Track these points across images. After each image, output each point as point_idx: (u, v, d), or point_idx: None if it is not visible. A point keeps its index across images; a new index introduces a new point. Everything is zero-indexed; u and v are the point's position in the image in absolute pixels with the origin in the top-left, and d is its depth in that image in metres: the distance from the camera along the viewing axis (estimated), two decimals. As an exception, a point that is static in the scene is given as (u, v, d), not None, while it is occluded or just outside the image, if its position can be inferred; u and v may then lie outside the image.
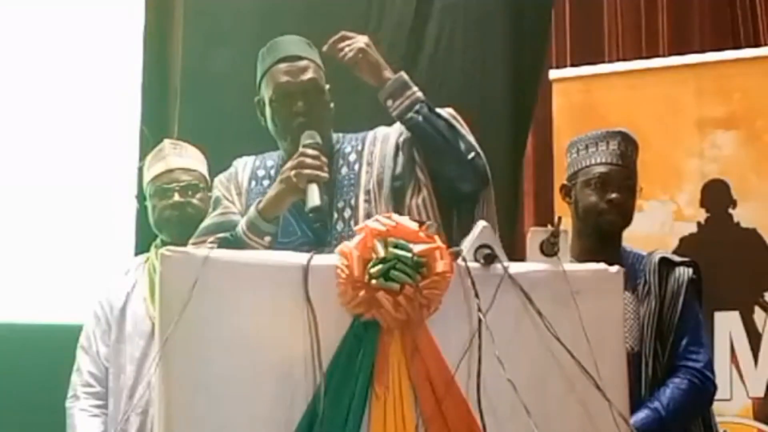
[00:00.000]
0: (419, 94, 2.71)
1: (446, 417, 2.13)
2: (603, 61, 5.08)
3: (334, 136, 2.82)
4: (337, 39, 2.72)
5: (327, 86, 2.81)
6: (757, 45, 5.03)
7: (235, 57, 4.81)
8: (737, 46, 4.97)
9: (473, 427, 2.15)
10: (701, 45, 5.15)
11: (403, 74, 2.73)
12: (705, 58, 4.59)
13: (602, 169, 3.02)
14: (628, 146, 3.04)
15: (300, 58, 2.78)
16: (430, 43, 4.89)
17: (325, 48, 2.73)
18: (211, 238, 2.65)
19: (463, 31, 4.91)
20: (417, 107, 2.68)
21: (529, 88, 4.88)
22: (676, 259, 3.01)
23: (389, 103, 2.69)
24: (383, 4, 4.91)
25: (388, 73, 2.72)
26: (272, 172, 2.79)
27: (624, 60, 5.02)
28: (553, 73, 4.81)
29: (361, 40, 2.71)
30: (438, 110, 2.73)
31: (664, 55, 5.10)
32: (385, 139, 2.75)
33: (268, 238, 2.60)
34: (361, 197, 2.67)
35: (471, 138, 2.78)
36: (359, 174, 2.71)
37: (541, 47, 4.99)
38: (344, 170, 2.73)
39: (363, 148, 2.75)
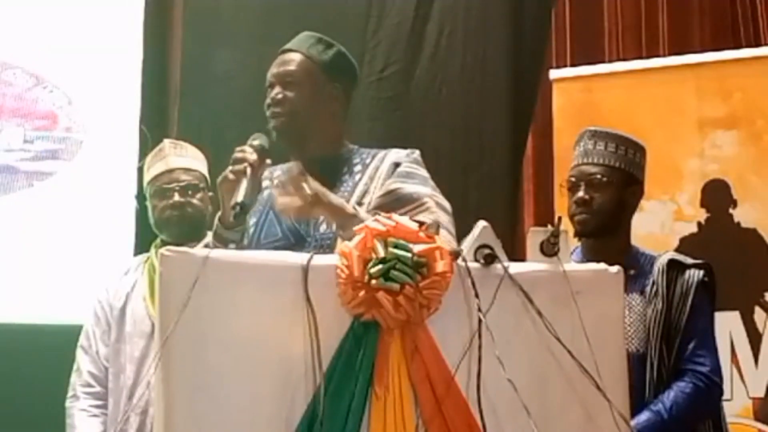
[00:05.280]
0: None
1: (446, 417, 2.13)
2: (603, 61, 5.07)
3: (350, 146, 2.80)
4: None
5: (335, 85, 2.75)
6: (757, 45, 5.02)
7: (235, 57, 4.82)
8: (737, 46, 4.96)
9: (473, 427, 2.14)
10: (701, 45, 5.15)
11: (360, 211, 2.54)
12: (705, 58, 4.59)
13: (572, 172, 3.03)
14: (597, 142, 3.01)
15: (292, 51, 2.77)
16: (430, 43, 4.90)
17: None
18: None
19: (463, 31, 4.92)
20: None
21: (529, 88, 4.89)
22: (688, 261, 2.97)
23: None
24: (383, 4, 4.92)
25: (350, 209, 2.54)
26: (275, 181, 2.77)
27: (624, 60, 5.02)
28: (553, 73, 4.81)
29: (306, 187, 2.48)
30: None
31: (664, 55, 5.10)
32: (389, 159, 2.72)
33: (232, 246, 2.57)
34: (351, 204, 2.63)
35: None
36: (357, 185, 2.69)
37: (541, 47, 4.99)
38: (345, 178, 2.71)
39: (370, 163, 2.73)
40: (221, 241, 2.59)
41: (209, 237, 2.65)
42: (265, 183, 2.79)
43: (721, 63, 4.52)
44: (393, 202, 2.58)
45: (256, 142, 2.61)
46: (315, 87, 2.73)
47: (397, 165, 2.69)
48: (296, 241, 2.62)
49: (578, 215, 2.97)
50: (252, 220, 2.72)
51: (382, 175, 2.68)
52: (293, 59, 2.75)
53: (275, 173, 2.82)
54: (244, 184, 2.52)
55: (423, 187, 2.66)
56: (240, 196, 2.50)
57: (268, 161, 2.62)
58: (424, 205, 2.60)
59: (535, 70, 4.89)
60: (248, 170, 2.54)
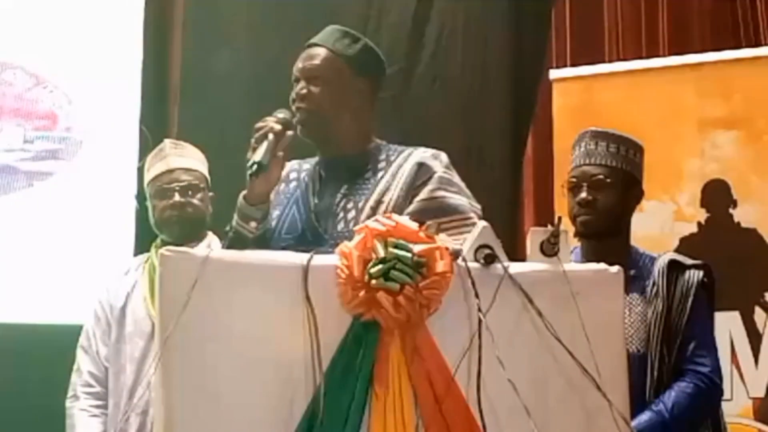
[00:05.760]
0: None
1: (446, 417, 2.13)
2: (603, 61, 5.07)
3: (377, 142, 2.78)
4: None
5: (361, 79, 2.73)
6: (757, 45, 5.02)
7: (235, 57, 4.82)
8: (737, 46, 4.96)
9: (473, 427, 2.14)
10: (701, 45, 5.14)
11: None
12: (705, 58, 4.59)
13: (573, 172, 3.02)
14: (599, 142, 3.00)
15: (318, 45, 2.75)
16: (430, 43, 4.90)
17: None
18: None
19: (463, 31, 4.91)
20: None
21: (529, 88, 4.89)
22: (688, 261, 2.97)
23: None
24: (383, 4, 4.92)
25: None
26: (303, 174, 2.79)
27: (624, 60, 5.02)
28: (553, 73, 4.81)
29: None
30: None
31: (664, 55, 5.10)
32: (413, 158, 2.69)
33: (253, 224, 2.60)
34: (370, 203, 2.64)
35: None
36: (378, 181, 2.68)
37: (541, 47, 4.99)
38: (367, 174, 2.70)
39: (395, 160, 2.71)
40: (244, 218, 2.61)
41: (235, 218, 2.64)
42: (293, 175, 2.80)
43: (721, 63, 4.52)
44: (436, 209, 2.57)
45: (280, 115, 2.64)
46: (340, 82, 2.71)
47: (420, 165, 2.67)
48: (314, 238, 2.62)
49: (581, 216, 2.97)
50: (275, 213, 2.72)
51: (404, 174, 2.66)
52: (318, 54, 2.73)
53: (304, 166, 2.81)
54: (264, 146, 2.55)
55: (463, 197, 2.66)
56: (258, 156, 2.53)
57: (290, 132, 2.62)
58: (470, 220, 2.59)
59: (535, 70, 4.89)
60: (270, 135, 2.56)
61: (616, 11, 5.46)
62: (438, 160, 2.70)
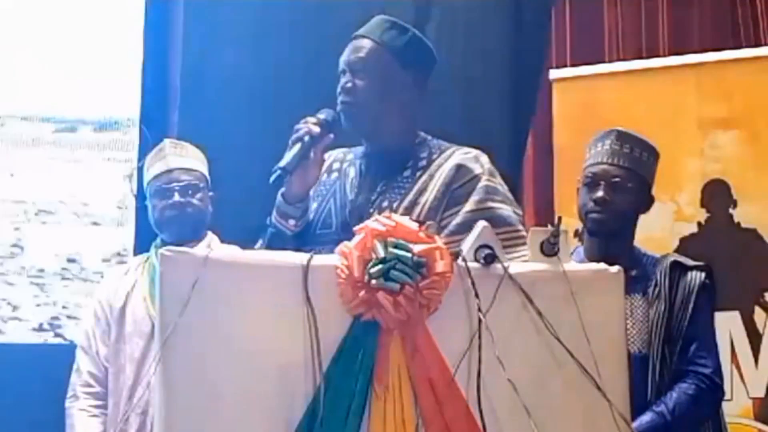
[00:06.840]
0: None
1: (446, 417, 2.13)
2: (603, 61, 5.07)
3: (422, 136, 2.75)
4: None
5: (406, 74, 2.70)
6: (757, 45, 5.02)
7: (235, 57, 4.82)
8: (737, 46, 4.97)
9: (473, 427, 2.14)
10: (701, 45, 5.14)
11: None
12: (705, 58, 4.59)
13: (593, 168, 3.01)
14: (624, 144, 2.99)
15: (364, 37, 2.72)
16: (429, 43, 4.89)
17: None
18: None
19: (463, 31, 4.91)
20: None
21: (529, 88, 4.88)
22: (690, 263, 2.98)
23: None
24: (383, 5, 4.91)
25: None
26: (345, 165, 2.76)
27: (624, 60, 5.02)
28: (553, 73, 4.81)
29: None
30: None
31: (664, 55, 5.10)
32: (453, 159, 2.66)
33: (292, 221, 2.60)
34: (404, 204, 2.61)
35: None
36: (416, 181, 2.65)
37: (541, 47, 4.99)
38: (407, 172, 2.68)
39: (436, 159, 2.68)
40: (282, 216, 2.62)
41: (274, 214, 2.63)
42: (335, 165, 2.77)
43: (721, 63, 4.52)
44: (487, 221, 2.50)
45: (321, 116, 2.62)
46: (385, 75, 2.68)
47: (459, 167, 2.64)
48: (346, 236, 2.58)
49: (594, 213, 2.96)
50: (313, 205, 2.70)
51: (442, 175, 2.63)
52: (364, 46, 2.70)
53: (348, 156, 2.78)
54: (295, 150, 2.54)
55: (509, 206, 2.62)
56: (285, 160, 2.52)
57: (331, 135, 2.61)
58: (520, 232, 2.56)
59: (535, 70, 4.88)
60: (306, 138, 2.56)
61: (616, 11, 5.46)
62: (479, 163, 2.66)
